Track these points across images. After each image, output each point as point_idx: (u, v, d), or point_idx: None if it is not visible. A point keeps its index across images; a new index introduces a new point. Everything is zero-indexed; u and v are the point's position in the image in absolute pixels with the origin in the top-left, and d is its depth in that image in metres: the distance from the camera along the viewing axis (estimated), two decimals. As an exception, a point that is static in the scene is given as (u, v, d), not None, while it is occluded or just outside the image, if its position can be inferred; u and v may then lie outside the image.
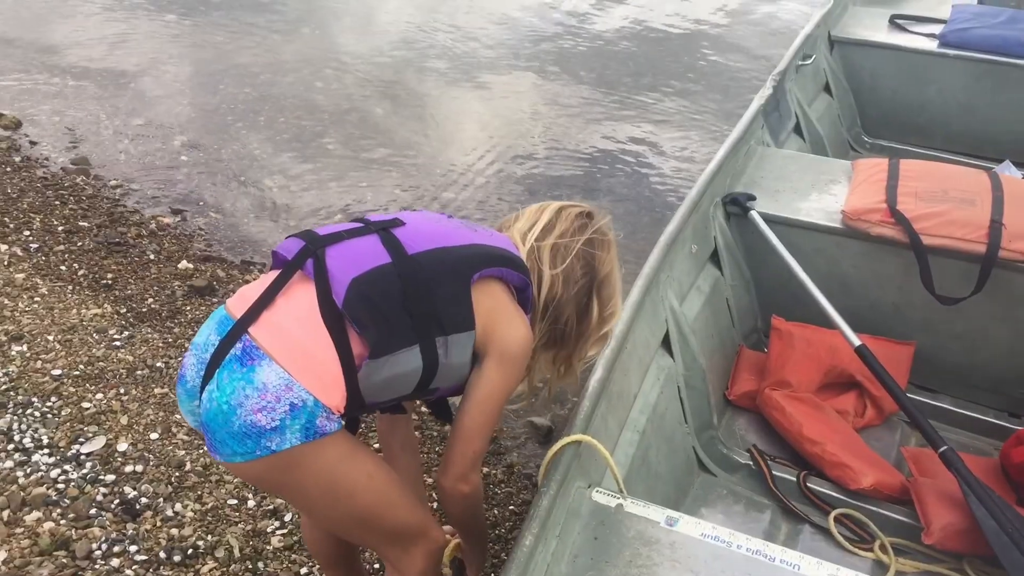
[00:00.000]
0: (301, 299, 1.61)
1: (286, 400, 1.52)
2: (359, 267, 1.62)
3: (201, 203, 4.64)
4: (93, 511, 2.64)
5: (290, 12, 7.28)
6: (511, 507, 2.76)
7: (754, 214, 2.89)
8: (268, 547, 2.58)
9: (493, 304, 1.71)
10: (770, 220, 2.88)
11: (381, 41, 6.71)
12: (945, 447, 2.34)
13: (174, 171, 4.94)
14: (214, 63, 6.29)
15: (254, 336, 1.58)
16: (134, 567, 2.48)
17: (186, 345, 3.42)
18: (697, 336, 2.62)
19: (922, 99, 4.17)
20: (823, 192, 3.02)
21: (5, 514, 2.59)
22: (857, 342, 2.56)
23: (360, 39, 6.75)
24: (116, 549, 2.52)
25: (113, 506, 2.66)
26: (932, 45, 4.13)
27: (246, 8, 7.32)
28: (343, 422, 1.60)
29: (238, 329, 1.59)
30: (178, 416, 3.05)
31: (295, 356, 1.55)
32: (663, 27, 7.11)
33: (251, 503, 2.72)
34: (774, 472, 2.53)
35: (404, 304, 1.61)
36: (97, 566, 2.47)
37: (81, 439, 2.89)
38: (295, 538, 2.60)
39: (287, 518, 2.67)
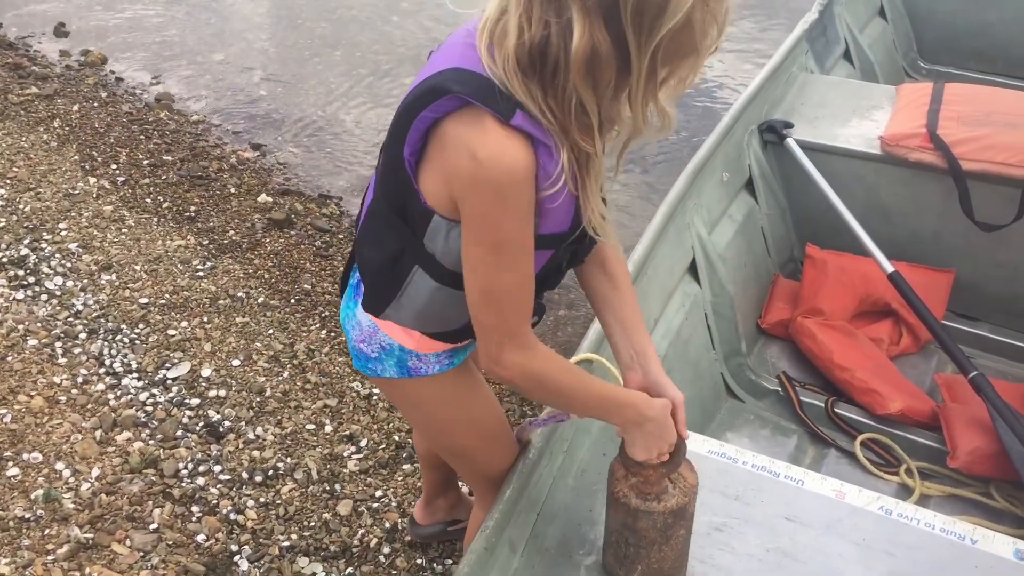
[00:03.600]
0: None
1: (376, 340, 1.62)
2: (361, 219, 1.61)
3: (279, 138, 4.82)
4: (179, 432, 2.85)
5: None
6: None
7: (790, 142, 2.90)
8: (344, 470, 2.75)
9: (439, 156, 1.34)
10: (807, 147, 2.88)
11: None
12: (975, 372, 2.35)
13: (253, 106, 5.13)
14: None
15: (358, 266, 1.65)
16: (218, 486, 2.68)
17: (265, 276, 3.63)
18: (727, 264, 2.65)
19: (983, 22, 4.06)
20: (864, 118, 3.00)
21: (98, 434, 2.81)
22: (890, 268, 2.57)
23: None
24: (201, 468, 2.73)
25: (198, 428, 2.87)
26: (1000, -38, 4.02)
27: None
28: (453, 360, 1.64)
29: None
30: (259, 344, 3.26)
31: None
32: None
33: (328, 428, 2.90)
34: (802, 398, 2.57)
35: (380, 241, 1.52)
36: (184, 484, 2.67)
37: (167, 364, 3.11)
38: (370, 463, 2.77)
39: (363, 443, 2.84)
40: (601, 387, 1.55)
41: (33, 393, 2.92)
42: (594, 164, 1.36)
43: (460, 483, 2.41)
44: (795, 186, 2.96)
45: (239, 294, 3.49)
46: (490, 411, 1.76)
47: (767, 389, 2.62)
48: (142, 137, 4.66)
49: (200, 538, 2.50)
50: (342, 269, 3.58)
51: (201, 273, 3.61)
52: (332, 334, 3.33)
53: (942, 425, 2.40)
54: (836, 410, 2.52)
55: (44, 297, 3.38)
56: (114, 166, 4.35)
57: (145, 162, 4.41)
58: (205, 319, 3.34)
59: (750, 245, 2.85)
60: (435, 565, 2.45)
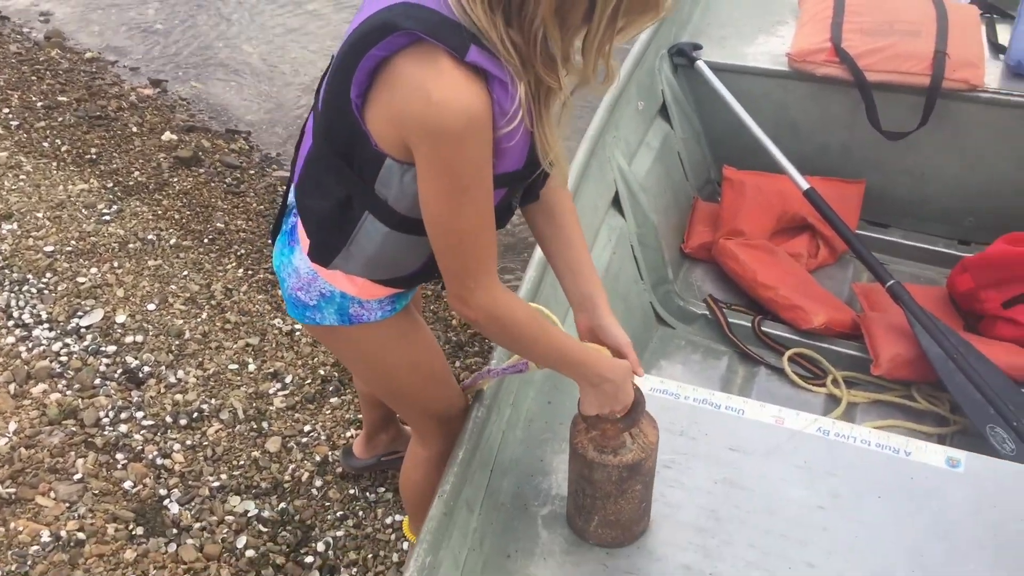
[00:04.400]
0: None
1: (315, 288, 1.57)
2: (299, 167, 1.54)
3: (180, 72, 4.62)
4: (98, 381, 2.77)
5: None
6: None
7: (701, 64, 2.87)
8: (271, 407, 2.71)
9: (389, 97, 1.27)
10: (717, 68, 2.86)
11: None
12: (892, 281, 2.40)
13: (150, 40, 4.89)
14: None
15: (298, 215, 1.58)
16: (142, 432, 2.62)
17: (176, 216, 3.49)
18: (648, 193, 2.64)
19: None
20: (770, 35, 2.99)
21: (12, 387, 2.71)
22: (805, 185, 2.59)
23: None
24: (123, 416, 2.66)
25: (117, 375, 2.79)
26: None
27: None
28: (395, 306, 1.61)
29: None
30: (174, 287, 3.16)
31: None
32: None
33: (251, 367, 2.85)
34: (730, 319, 2.60)
35: (324, 189, 1.46)
36: (106, 432, 2.61)
37: (80, 313, 3.01)
38: (296, 399, 2.73)
39: (288, 379, 2.80)
40: (563, 340, 1.52)
41: (-63, 348, 2.80)
42: (555, 99, 1.32)
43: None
44: (708, 108, 2.95)
45: (149, 236, 3.38)
46: (430, 353, 1.75)
47: (695, 314, 2.64)
48: (34, 78, 4.41)
49: (127, 485, 2.45)
50: (255, 206, 3.52)
51: (108, 217, 3.48)
52: (249, 272, 3.25)
53: (863, 334, 2.46)
54: (763, 328, 2.56)
55: (-60, 250, 3.22)
56: (6, 110, 4.12)
57: (39, 104, 4.19)
58: (115, 264, 3.23)
59: (668, 171, 2.83)
60: (368, 494, 2.46)
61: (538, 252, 2.03)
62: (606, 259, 2.37)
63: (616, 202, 2.52)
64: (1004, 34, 2.84)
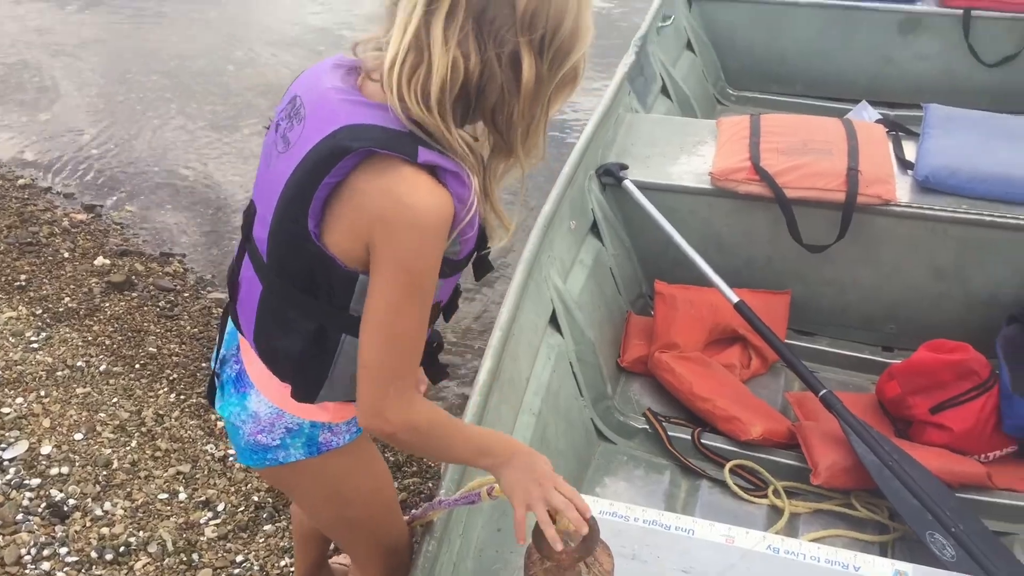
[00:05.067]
0: None
1: (281, 425, 1.53)
2: (249, 313, 1.50)
3: (115, 197, 4.55)
4: (20, 516, 2.62)
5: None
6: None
7: (628, 183, 2.93)
8: (202, 538, 2.59)
9: (354, 213, 1.30)
10: (644, 187, 2.92)
11: (292, 21, 6.51)
12: (824, 391, 2.43)
13: (85, 166, 4.82)
14: (121, 52, 6.12)
15: (244, 361, 1.57)
16: (65, 569, 2.47)
17: (107, 342, 3.37)
18: (584, 310, 2.66)
19: (780, 48, 4.26)
20: (692, 154, 3.07)
21: None
22: (735, 299, 2.64)
23: (270, 19, 6.55)
24: (46, 552, 2.52)
25: (40, 510, 2.65)
26: (784, -5, 4.22)
27: None
28: (359, 429, 1.59)
29: (237, 349, 1.60)
30: (103, 415, 3.04)
31: (275, 386, 1.52)
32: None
33: (182, 495, 2.73)
34: (670, 433, 2.59)
35: (293, 329, 1.43)
36: (28, 571, 2.46)
37: (3, 444, 2.86)
38: (229, 527, 2.62)
39: (220, 507, 2.69)
40: (471, 430, 1.54)
41: None
42: (500, 179, 1.40)
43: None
44: (637, 225, 3.00)
45: (78, 363, 3.26)
46: (387, 478, 1.73)
47: (635, 428, 2.63)
48: (-38, 206, 4.31)
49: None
50: (189, 329, 3.45)
51: (36, 344, 3.36)
52: (182, 397, 3.15)
53: (800, 443, 2.48)
54: (703, 441, 2.56)
55: None
56: (-69, 239, 4.00)
57: (-33, 233, 4.08)
58: (42, 393, 3.11)
59: (601, 287, 2.86)
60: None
61: (480, 373, 2.01)
62: (546, 378, 2.36)
63: (554, 320, 2.52)
64: (910, 151, 2.97)
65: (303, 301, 1.40)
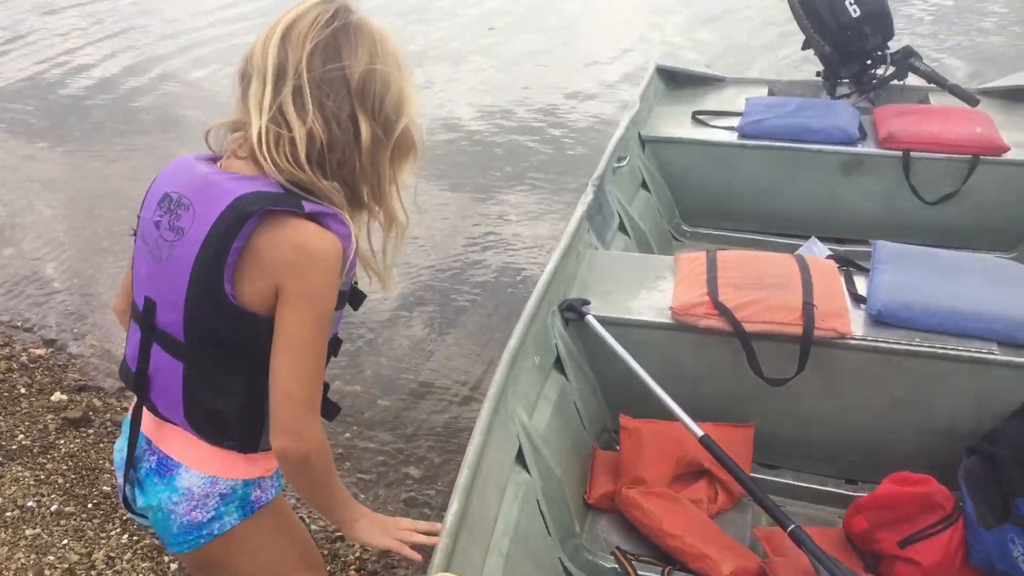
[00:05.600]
0: None
1: (215, 494, 1.64)
2: (172, 396, 1.62)
3: (76, 331, 4.47)
4: None
5: (167, 134, 7.08)
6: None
7: (591, 318, 2.95)
8: None
9: (260, 268, 1.49)
10: (606, 322, 2.94)
11: None
12: (792, 526, 2.39)
13: (47, 301, 4.76)
14: (90, 188, 6.13)
15: (161, 448, 1.68)
16: None
17: (60, 481, 3.25)
18: (550, 446, 2.62)
19: (731, 187, 4.38)
20: (652, 289, 3.11)
21: None
22: (700, 432, 2.62)
23: None
24: None
25: None
26: (732, 137, 4.37)
27: (120, 132, 7.14)
28: (280, 481, 1.75)
29: (147, 442, 1.71)
30: (52, 558, 2.91)
31: (205, 456, 1.65)
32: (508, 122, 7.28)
33: None
34: (640, 572, 2.53)
35: (226, 390, 1.59)
36: None
37: None
38: None
39: None
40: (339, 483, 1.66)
41: None
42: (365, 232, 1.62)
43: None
44: (600, 359, 3.01)
45: (29, 504, 3.15)
46: (309, 537, 1.86)
47: (604, 568, 2.57)
48: (-84, 349, 4.20)
49: None
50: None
51: (-15, 484, 3.22)
52: (135, 538, 3.03)
53: (771, 581, 2.43)
54: (673, 579, 2.50)
55: None
56: None
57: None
58: (-10, 534, 2.97)
59: (567, 423, 2.84)
60: None
61: (448, 514, 1.96)
62: (515, 517, 2.30)
63: (520, 457, 2.48)
64: (861, 285, 3.03)
65: (229, 360, 1.56)
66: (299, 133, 1.47)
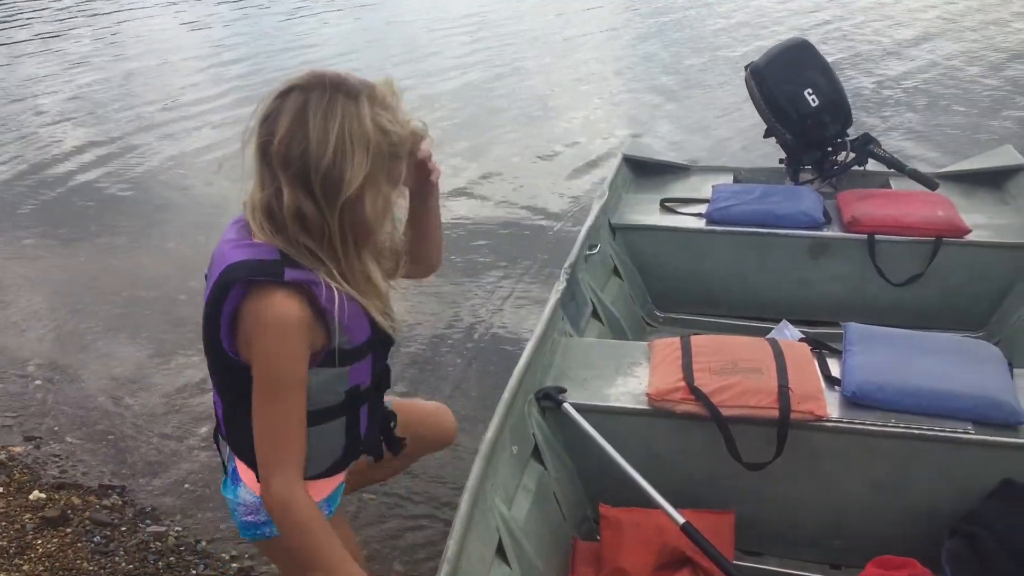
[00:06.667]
0: None
1: (263, 511, 1.84)
2: (223, 425, 1.95)
3: (57, 428, 4.34)
4: None
5: (153, 228, 7.00)
6: None
7: (567, 406, 2.92)
8: None
9: (244, 332, 1.71)
10: (583, 410, 2.91)
11: None
12: (779, 615, 2.35)
13: (27, 397, 4.64)
14: (75, 283, 6.03)
15: (235, 460, 1.97)
16: None
17: None
18: (530, 538, 2.57)
19: (701, 272, 4.41)
20: (627, 376, 3.09)
21: None
22: (681, 520, 2.58)
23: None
24: None
25: None
26: (700, 224, 4.40)
27: (108, 227, 7.05)
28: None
29: (230, 455, 2.02)
30: None
31: (251, 477, 1.90)
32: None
33: None
34: (624, 667, 2.45)
35: (247, 427, 1.76)
36: None
37: None
38: None
39: None
40: (332, 548, 1.69)
41: None
42: (368, 280, 1.74)
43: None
44: (578, 448, 2.97)
45: (3, 607, 3.01)
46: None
47: (589, 662, 2.49)
48: None
49: None
50: (124, 566, 3.28)
51: (-42, 590, 3.09)
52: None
53: (758, 673, 2.36)
54: (660, 674, 2.42)
55: None
56: None
57: None
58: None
59: (546, 513, 2.78)
60: None
61: None
62: (496, 612, 2.23)
63: (500, 550, 2.42)
64: (835, 368, 3.03)
65: (242, 403, 1.72)
66: (259, 194, 1.66)
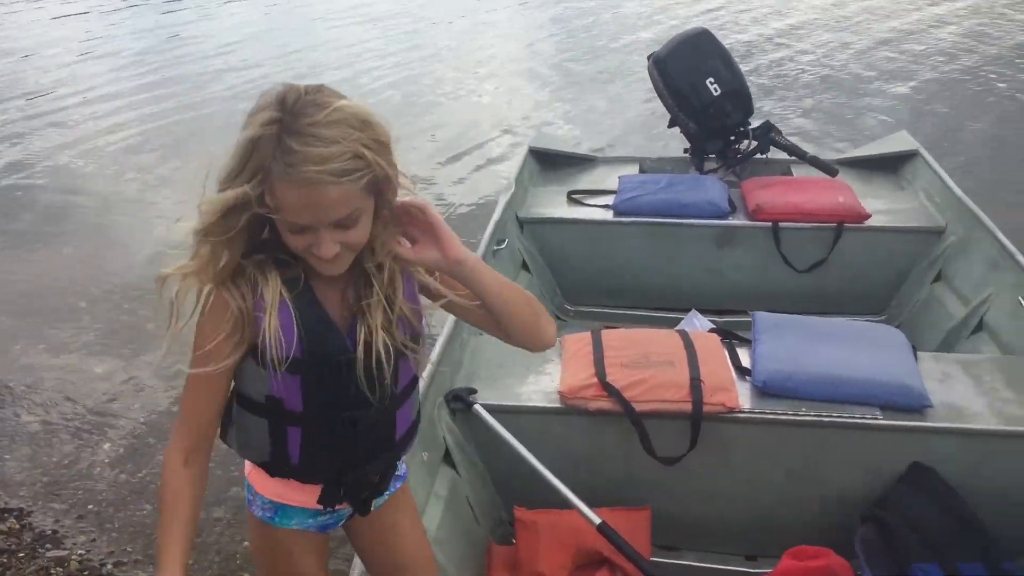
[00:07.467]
0: None
1: (259, 499, 1.89)
2: None
3: None
4: None
5: (48, 232, 6.64)
6: None
7: (478, 407, 2.83)
8: None
9: None
10: (494, 410, 2.83)
11: (147, 255, 6.10)
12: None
13: None
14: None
15: None
16: None
17: None
18: (443, 546, 2.47)
19: (610, 264, 4.37)
20: (539, 373, 3.02)
21: None
22: (597, 520, 2.52)
23: (124, 255, 6.16)
24: None
25: None
26: (608, 215, 4.36)
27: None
28: (273, 516, 1.88)
29: None
30: None
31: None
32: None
33: None
34: (544, 674, 2.38)
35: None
36: None
37: None
38: None
39: None
40: (175, 533, 1.61)
41: None
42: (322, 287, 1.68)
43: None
44: (490, 450, 2.88)
45: None
46: None
47: (508, 672, 2.41)
48: None
49: None
50: None
51: None
52: None
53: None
54: None
55: None
56: None
57: None
58: None
59: (460, 519, 2.70)
60: None
61: None
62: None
63: None
64: (745, 357, 3.01)
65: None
66: None
